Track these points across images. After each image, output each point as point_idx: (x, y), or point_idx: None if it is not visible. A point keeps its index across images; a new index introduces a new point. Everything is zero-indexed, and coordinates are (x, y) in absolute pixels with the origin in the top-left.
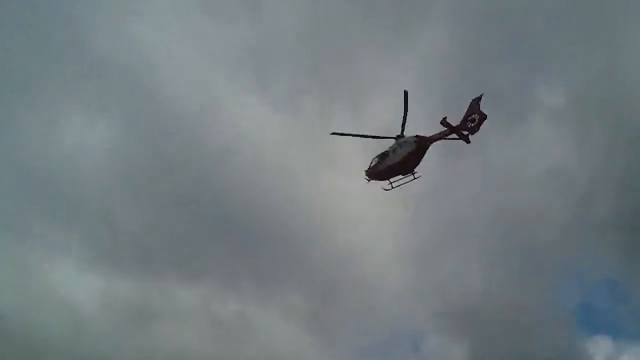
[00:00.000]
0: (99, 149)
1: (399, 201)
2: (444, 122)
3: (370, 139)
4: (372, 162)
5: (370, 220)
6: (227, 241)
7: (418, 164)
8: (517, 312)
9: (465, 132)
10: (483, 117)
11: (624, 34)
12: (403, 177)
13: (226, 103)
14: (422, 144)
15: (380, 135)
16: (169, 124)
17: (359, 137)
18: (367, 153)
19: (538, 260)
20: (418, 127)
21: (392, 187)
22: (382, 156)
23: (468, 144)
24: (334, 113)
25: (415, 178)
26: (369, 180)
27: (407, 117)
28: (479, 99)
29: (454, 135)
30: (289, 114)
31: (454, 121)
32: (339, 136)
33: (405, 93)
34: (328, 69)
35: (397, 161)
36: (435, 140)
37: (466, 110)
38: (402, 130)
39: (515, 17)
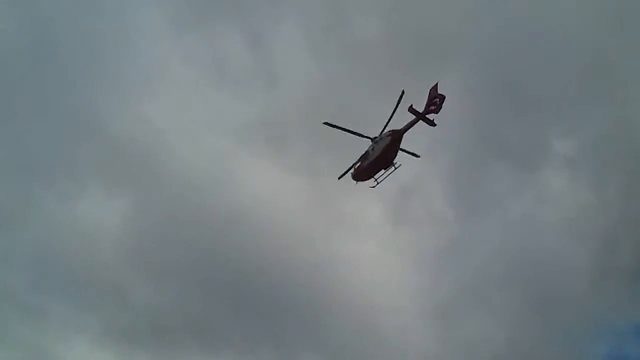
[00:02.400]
0: (114, 225)
1: (418, 261)
2: (411, 109)
3: (358, 136)
4: (355, 165)
5: (388, 282)
6: (244, 309)
7: (395, 155)
8: None
9: (431, 117)
10: (443, 97)
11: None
12: (385, 171)
13: (239, 170)
14: (395, 137)
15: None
16: (182, 197)
17: (349, 133)
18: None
19: (563, 313)
20: None
21: (378, 183)
22: (364, 156)
23: (433, 127)
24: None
25: (395, 168)
26: (356, 183)
27: (392, 119)
28: (435, 85)
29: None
30: (303, 178)
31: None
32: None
33: (402, 93)
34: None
35: (377, 156)
36: (406, 130)
37: (427, 98)
38: (382, 131)
39: (522, 64)
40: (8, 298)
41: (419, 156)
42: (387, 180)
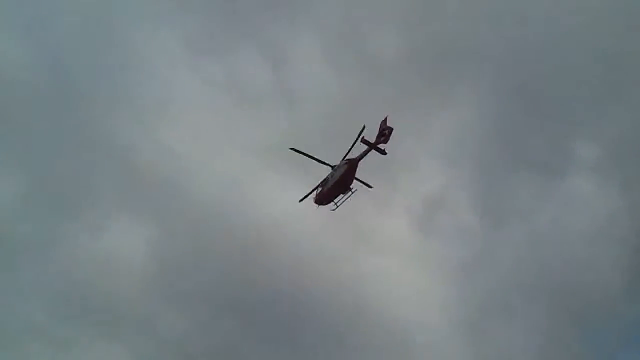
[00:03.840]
0: (138, 254)
1: (445, 273)
2: (363, 140)
3: (320, 163)
4: (317, 190)
5: (415, 296)
6: (271, 332)
7: (352, 181)
8: None
9: (382, 147)
10: (391, 129)
11: None
12: (344, 195)
13: (261, 191)
14: (351, 165)
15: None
16: (205, 221)
17: (313, 160)
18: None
19: (595, 320)
20: None
21: (337, 207)
22: (324, 182)
23: (384, 155)
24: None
25: (352, 192)
26: (317, 206)
27: (351, 151)
28: (385, 118)
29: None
30: None
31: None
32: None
33: (363, 128)
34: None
35: (335, 182)
36: (361, 159)
37: (378, 129)
38: (342, 159)
39: (541, 70)
40: (35, 330)
41: (371, 187)
42: (412, 191)
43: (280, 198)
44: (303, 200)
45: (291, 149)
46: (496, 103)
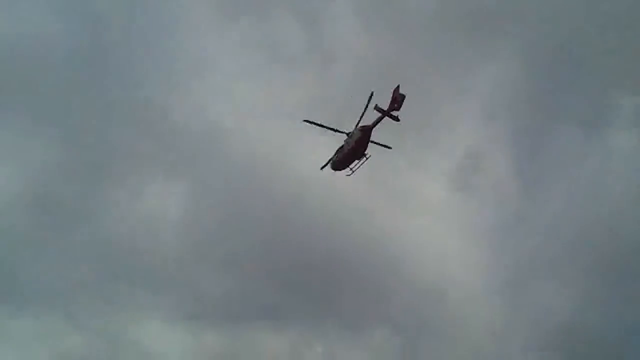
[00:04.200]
0: (178, 213)
1: (483, 230)
2: (377, 107)
3: (335, 131)
4: (333, 157)
5: (454, 254)
6: (308, 284)
7: (366, 148)
8: (615, 336)
9: (395, 113)
10: (403, 97)
11: None
12: (359, 161)
13: (297, 151)
14: (365, 132)
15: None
16: (242, 181)
17: (328, 130)
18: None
19: (635, 280)
20: None
21: (353, 172)
22: (340, 150)
23: (398, 122)
24: (406, 148)
25: (367, 159)
26: (334, 171)
27: (364, 117)
28: (397, 87)
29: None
30: None
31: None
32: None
33: (371, 94)
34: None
35: (350, 149)
36: (375, 126)
37: (391, 97)
38: (355, 126)
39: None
40: (83, 288)
41: (390, 147)
42: (450, 150)
43: (316, 158)
44: (324, 168)
45: (305, 120)
46: (533, 58)
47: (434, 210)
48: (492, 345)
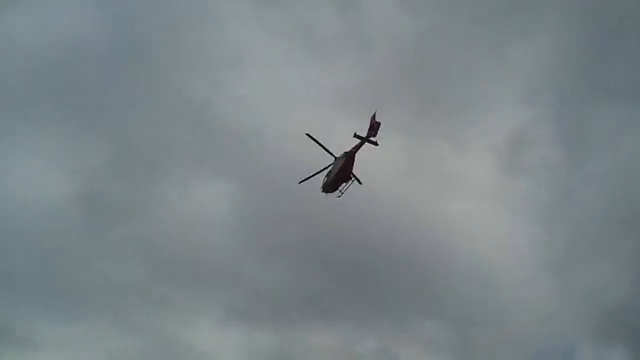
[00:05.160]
0: (223, 209)
1: (531, 210)
2: (355, 135)
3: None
4: (323, 180)
5: (501, 235)
6: (357, 279)
7: (351, 171)
8: None
9: (373, 139)
10: (378, 124)
11: None
12: (346, 184)
13: (338, 138)
14: (349, 157)
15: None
16: (284, 172)
17: (322, 149)
18: None
19: None
20: None
21: (342, 194)
22: (328, 173)
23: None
24: (448, 133)
25: (353, 181)
26: (326, 194)
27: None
28: (374, 115)
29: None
30: (405, 140)
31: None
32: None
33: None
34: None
35: (337, 172)
36: (357, 150)
37: (369, 125)
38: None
39: None
40: (132, 288)
41: (361, 182)
42: (494, 130)
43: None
44: (302, 183)
45: (307, 134)
46: (575, 30)
47: (481, 193)
48: (545, 328)
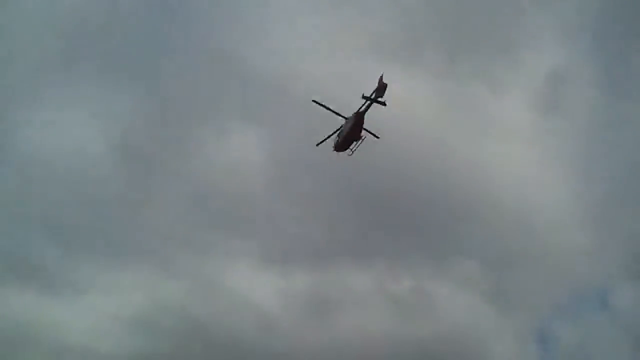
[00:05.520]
0: (260, 156)
1: (567, 155)
2: (363, 96)
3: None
4: (335, 140)
5: (539, 179)
6: (393, 218)
7: (360, 131)
8: None
9: (380, 99)
10: (385, 85)
11: None
12: (356, 143)
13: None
14: (358, 117)
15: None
16: (318, 119)
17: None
18: None
19: None
20: None
21: (353, 152)
22: (339, 132)
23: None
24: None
25: (362, 140)
26: (338, 153)
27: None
28: (381, 76)
29: None
30: (440, 82)
31: None
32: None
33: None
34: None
35: (347, 132)
36: (365, 110)
37: (376, 86)
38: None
39: None
40: (173, 234)
41: (378, 137)
42: (532, 70)
43: (395, 88)
44: (320, 145)
45: (313, 100)
46: None
47: (518, 135)
48: (581, 269)
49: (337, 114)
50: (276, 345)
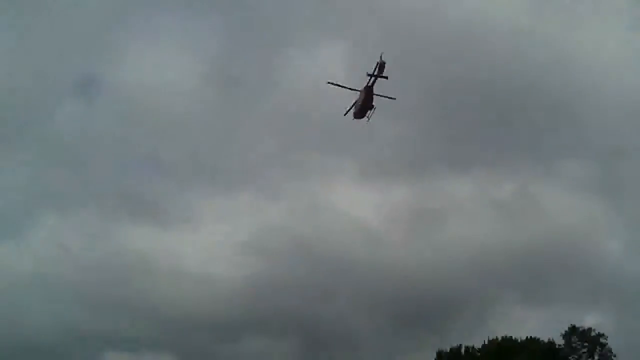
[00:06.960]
0: (346, 70)
1: None
2: (367, 74)
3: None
4: (352, 109)
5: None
6: (489, 124)
7: (372, 101)
8: None
9: (383, 75)
10: (384, 63)
11: None
12: (370, 111)
13: None
14: (368, 90)
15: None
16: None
17: (348, 89)
18: None
19: None
20: None
21: (369, 119)
22: (355, 103)
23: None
24: None
25: (375, 109)
26: (354, 118)
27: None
28: (381, 55)
29: None
30: None
31: None
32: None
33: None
34: None
35: (361, 103)
36: (373, 84)
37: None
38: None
39: None
40: (270, 158)
41: (394, 98)
42: None
43: None
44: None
45: (328, 82)
46: None
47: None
48: None
49: (351, 89)
50: (381, 258)
